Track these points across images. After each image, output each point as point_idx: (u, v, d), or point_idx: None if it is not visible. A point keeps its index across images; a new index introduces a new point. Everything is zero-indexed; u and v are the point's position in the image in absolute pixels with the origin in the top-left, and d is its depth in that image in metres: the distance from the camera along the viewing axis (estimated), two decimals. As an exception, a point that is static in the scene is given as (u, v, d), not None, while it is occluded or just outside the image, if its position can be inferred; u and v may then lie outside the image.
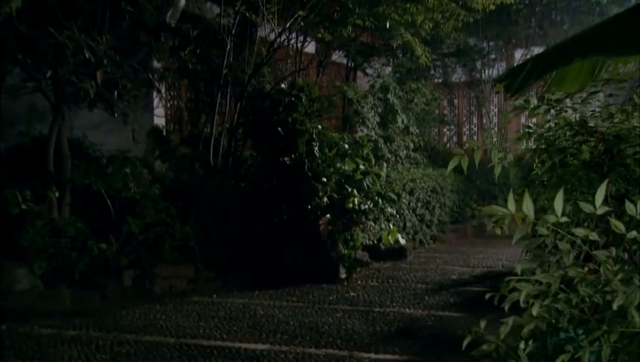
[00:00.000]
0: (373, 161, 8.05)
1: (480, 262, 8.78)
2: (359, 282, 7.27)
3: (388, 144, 10.44)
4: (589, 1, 13.26)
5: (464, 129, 15.63)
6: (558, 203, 1.94)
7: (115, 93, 6.58)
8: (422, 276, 7.63)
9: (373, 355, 4.64)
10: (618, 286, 1.99)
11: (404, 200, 9.22)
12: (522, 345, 2.07)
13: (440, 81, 14.84)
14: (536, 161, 3.43)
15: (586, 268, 2.15)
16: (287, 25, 8.36)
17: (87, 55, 6.02)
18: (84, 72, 6.20)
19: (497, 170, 2.89)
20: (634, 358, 1.99)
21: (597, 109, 3.32)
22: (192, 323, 5.52)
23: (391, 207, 7.96)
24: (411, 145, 11.39)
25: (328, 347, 4.81)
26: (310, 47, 10.14)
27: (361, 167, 7.62)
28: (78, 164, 6.84)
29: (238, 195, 7.52)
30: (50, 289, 6.06)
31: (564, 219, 1.96)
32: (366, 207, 7.35)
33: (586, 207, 1.97)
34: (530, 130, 3.33)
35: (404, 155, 11.04)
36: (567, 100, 3.29)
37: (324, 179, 7.27)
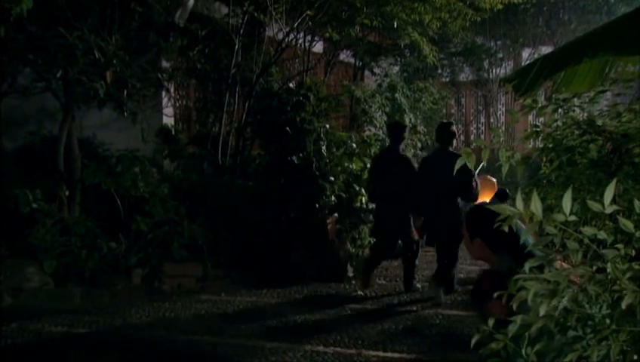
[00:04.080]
0: (381, 160, 8.05)
1: (487, 261, 8.75)
2: (367, 281, 7.27)
3: (395, 143, 10.42)
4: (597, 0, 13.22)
5: (471, 128, 15.62)
6: (567, 201, 1.94)
7: (125, 92, 6.62)
8: (429, 274, 7.63)
9: (381, 353, 4.65)
10: (627, 284, 1.99)
11: (411, 200, 9.21)
12: (525, 347, 2.07)
13: (447, 80, 14.83)
14: (544, 159, 3.43)
15: (594, 267, 2.15)
16: (295, 24, 8.38)
17: (96, 55, 6.06)
18: (93, 71, 6.24)
19: (505, 169, 2.88)
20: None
21: (605, 108, 3.32)
22: (201, 321, 5.55)
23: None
24: (419, 144, 11.38)
25: (336, 345, 4.83)
26: (318, 47, 10.17)
27: (369, 165, 7.63)
28: (87, 163, 6.89)
29: (246, 194, 7.55)
30: (60, 287, 6.12)
31: (572, 218, 1.96)
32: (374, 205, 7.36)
33: (594, 205, 1.98)
34: (538, 129, 3.33)
35: (412, 154, 11.03)
36: (575, 99, 3.29)
37: (332, 178, 7.29)
